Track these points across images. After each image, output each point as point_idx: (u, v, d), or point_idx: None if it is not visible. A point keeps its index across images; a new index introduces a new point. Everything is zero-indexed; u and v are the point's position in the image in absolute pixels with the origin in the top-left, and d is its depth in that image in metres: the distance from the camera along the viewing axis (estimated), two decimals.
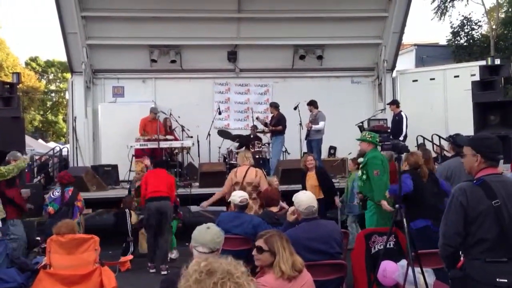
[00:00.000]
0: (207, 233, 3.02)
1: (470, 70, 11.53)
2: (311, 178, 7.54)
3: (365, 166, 5.98)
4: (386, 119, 11.09)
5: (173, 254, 7.66)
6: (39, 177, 10.83)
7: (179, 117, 11.16)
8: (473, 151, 3.04)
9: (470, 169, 3.09)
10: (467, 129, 8.72)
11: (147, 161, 8.34)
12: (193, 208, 11.50)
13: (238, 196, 5.26)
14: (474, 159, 3.03)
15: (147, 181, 7.10)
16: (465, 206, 2.86)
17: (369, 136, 6.15)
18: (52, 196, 6.97)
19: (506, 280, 2.74)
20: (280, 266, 3.04)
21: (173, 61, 11.92)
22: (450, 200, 2.95)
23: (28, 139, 16.27)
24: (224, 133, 11.09)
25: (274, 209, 5.31)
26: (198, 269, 1.74)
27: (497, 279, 2.74)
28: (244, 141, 10.76)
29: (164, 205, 6.93)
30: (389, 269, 4.50)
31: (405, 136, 10.04)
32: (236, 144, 10.95)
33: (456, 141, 6.56)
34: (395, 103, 10.69)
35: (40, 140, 24.18)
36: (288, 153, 10.98)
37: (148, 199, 6.97)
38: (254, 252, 3.18)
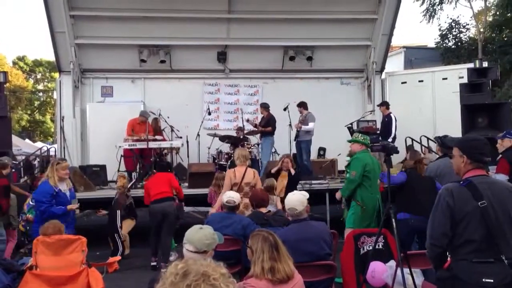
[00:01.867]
0: (197, 233, 3.06)
1: (458, 73, 11.63)
2: (283, 178, 7.56)
3: (348, 166, 6.15)
4: (375, 121, 11.14)
5: (172, 257, 7.63)
6: (25, 177, 10.69)
7: (168, 117, 11.11)
8: (460, 152, 3.08)
9: (458, 170, 3.13)
10: (455, 131, 8.80)
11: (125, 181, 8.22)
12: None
13: (226, 196, 5.25)
14: (461, 160, 3.06)
15: (148, 189, 7.23)
16: (451, 207, 2.87)
17: (362, 137, 6.22)
18: (31, 203, 6.81)
19: (492, 280, 2.76)
20: (253, 266, 3.05)
21: (162, 61, 11.85)
22: (437, 201, 2.96)
23: (15, 139, 16.11)
24: (213, 134, 11.05)
25: (263, 210, 5.30)
26: (174, 272, 1.73)
27: (483, 279, 2.76)
28: (234, 141, 10.73)
29: (167, 205, 7.03)
30: (378, 269, 4.51)
31: (394, 138, 10.11)
32: (227, 145, 10.91)
33: (443, 142, 6.63)
34: (384, 104, 10.74)
35: (27, 140, 23.98)
36: (278, 154, 10.95)
37: (151, 201, 7.07)
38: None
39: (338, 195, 6.38)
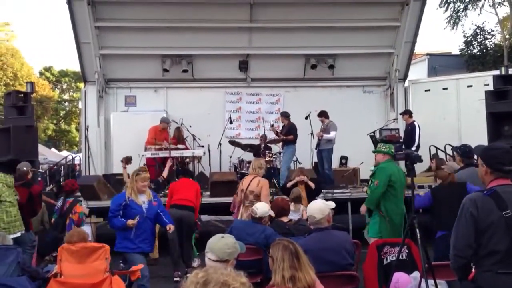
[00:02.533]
0: (219, 241, 3.07)
1: (484, 80, 11.41)
2: (301, 190, 7.45)
3: (373, 175, 6.06)
4: (398, 129, 11.02)
5: (195, 263, 7.62)
6: (51, 186, 10.90)
7: (190, 126, 11.20)
8: (481, 161, 3.05)
9: (482, 179, 3.09)
10: (481, 139, 8.61)
11: None
12: (204, 217, 11.47)
13: (256, 207, 5.25)
14: (483, 169, 3.02)
15: (173, 190, 7.24)
16: (475, 217, 2.82)
17: (384, 147, 6.14)
18: (56, 207, 6.92)
19: None
20: (274, 275, 3.03)
21: (185, 71, 11.98)
22: (461, 211, 2.91)
23: (41, 148, 16.45)
24: (234, 143, 11.09)
25: (285, 219, 5.28)
26: (195, 281, 1.74)
27: None
28: (256, 150, 10.75)
29: (186, 215, 6.94)
30: (402, 281, 4.43)
31: (418, 146, 9.98)
32: (249, 154, 10.92)
33: (464, 152, 6.50)
34: (407, 113, 10.62)
35: (53, 149, 24.45)
36: (299, 163, 10.93)
37: (171, 205, 7.03)
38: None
39: (363, 209, 6.16)
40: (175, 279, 6.91)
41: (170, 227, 5.48)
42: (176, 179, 8.43)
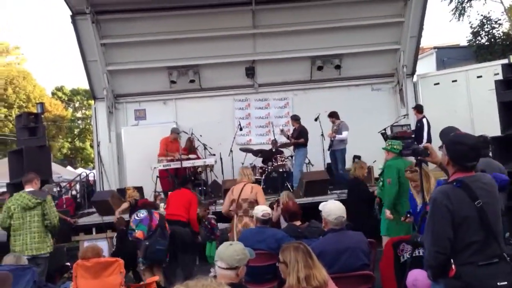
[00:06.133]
0: (228, 249, 3.07)
1: (493, 69, 11.26)
2: None
3: (382, 174, 6.08)
4: (409, 125, 10.92)
5: (211, 273, 7.58)
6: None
7: (201, 135, 11.22)
8: (445, 151, 3.00)
9: (445, 166, 3.07)
10: (494, 129, 8.49)
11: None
12: (221, 225, 11.45)
13: (260, 210, 5.22)
14: (446, 159, 2.99)
15: (168, 203, 7.11)
16: (451, 210, 2.77)
17: (387, 144, 6.12)
18: (137, 218, 6.40)
19: (506, 283, 2.69)
20: (288, 277, 3.01)
21: (192, 81, 12.05)
22: (433, 206, 2.85)
23: (55, 167, 16.63)
24: (246, 149, 11.09)
25: (297, 222, 5.25)
26: None
27: (498, 283, 2.69)
28: (267, 156, 10.73)
29: (177, 230, 6.55)
30: (421, 278, 4.35)
31: (428, 143, 9.84)
32: (261, 159, 10.92)
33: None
34: (417, 108, 10.51)
35: (68, 167, 24.68)
36: (312, 165, 10.89)
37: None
38: (277, 264, 3.19)
39: (388, 215, 5.96)
40: None
41: None
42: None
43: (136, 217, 6.38)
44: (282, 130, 10.81)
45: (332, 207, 4.21)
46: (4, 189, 10.77)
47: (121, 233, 7.07)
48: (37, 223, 5.85)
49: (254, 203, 6.09)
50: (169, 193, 7.73)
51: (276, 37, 11.94)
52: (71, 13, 11.08)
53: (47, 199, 5.98)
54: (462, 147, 2.91)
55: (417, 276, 4.39)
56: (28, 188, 6.08)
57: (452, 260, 2.79)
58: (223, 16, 11.53)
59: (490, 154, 6.35)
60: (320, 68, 12.16)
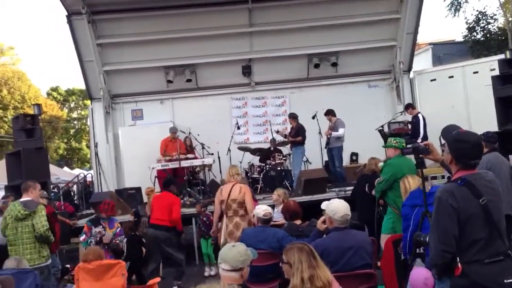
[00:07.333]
0: (230, 251, 3.06)
1: (489, 65, 11.28)
2: None
3: (381, 171, 6.09)
4: (406, 121, 10.94)
5: (213, 271, 7.63)
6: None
7: (198, 135, 11.21)
8: (448, 149, 3.00)
9: (448, 163, 3.06)
10: (491, 125, 8.52)
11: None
12: None
13: (262, 210, 5.21)
14: (449, 157, 2.98)
15: (152, 208, 7.16)
16: (456, 208, 2.77)
17: (394, 142, 6.09)
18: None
19: None
20: (292, 278, 3.01)
21: (188, 80, 12.03)
22: (438, 205, 2.84)
23: (53, 168, 16.58)
24: (243, 148, 11.09)
25: (298, 221, 5.25)
26: None
27: (505, 280, 2.69)
28: (264, 154, 10.73)
29: (160, 234, 6.81)
30: (429, 276, 4.34)
31: (425, 138, 9.86)
32: (257, 158, 10.93)
33: (487, 138, 6.40)
34: (409, 106, 10.57)
35: (65, 168, 24.60)
36: (310, 163, 10.90)
37: (149, 224, 7.04)
38: (281, 264, 3.18)
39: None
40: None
41: None
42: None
43: None
44: (278, 131, 10.83)
45: (338, 206, 4.18)
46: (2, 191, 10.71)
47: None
48: (28, 234, 5.68)
49: (243, 203, 6.06)
50: (153, 196, 7.67)
51: (272, 35, 11.92)
52: (67, 13, 11.05)
53: (37, 209, 5.85)
54: (464, 145, 2.91)
55: (427, 275, 4.38)
56: (24, 197, 5.96)
57: (458, 258, 2.79)
58: (219, 14, 11.52)
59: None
60: (316, 66, 12.17)
